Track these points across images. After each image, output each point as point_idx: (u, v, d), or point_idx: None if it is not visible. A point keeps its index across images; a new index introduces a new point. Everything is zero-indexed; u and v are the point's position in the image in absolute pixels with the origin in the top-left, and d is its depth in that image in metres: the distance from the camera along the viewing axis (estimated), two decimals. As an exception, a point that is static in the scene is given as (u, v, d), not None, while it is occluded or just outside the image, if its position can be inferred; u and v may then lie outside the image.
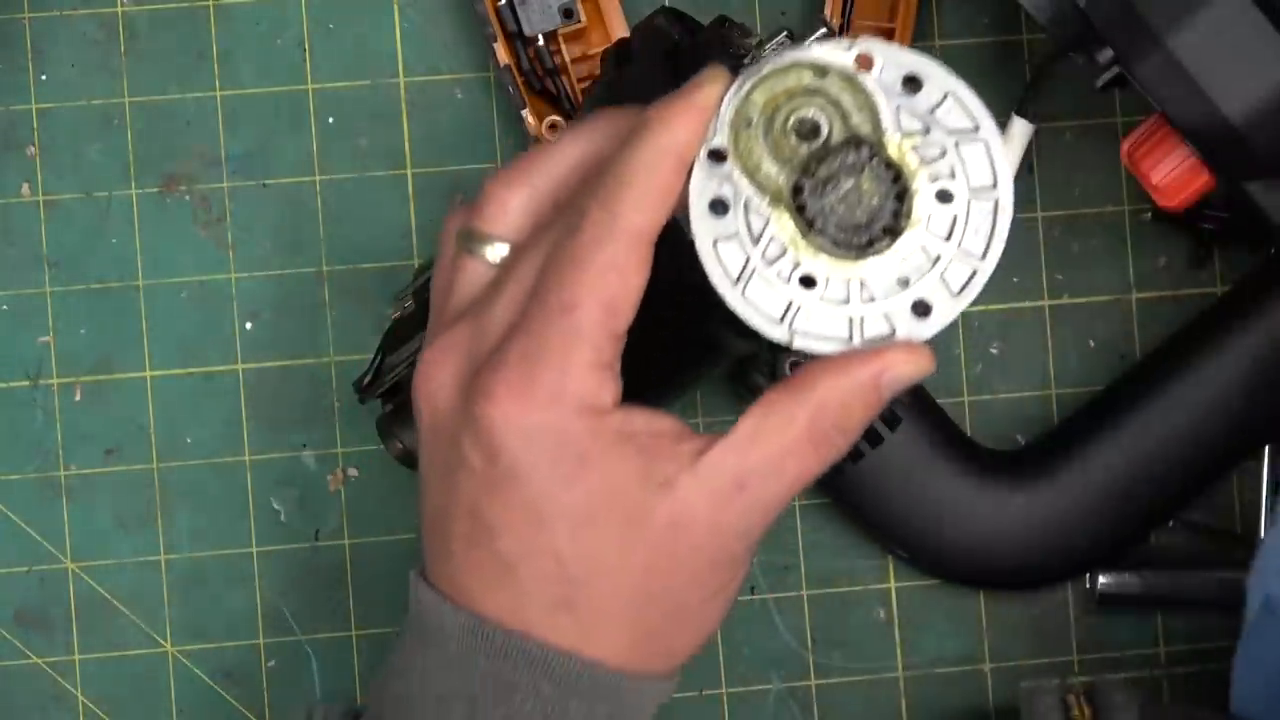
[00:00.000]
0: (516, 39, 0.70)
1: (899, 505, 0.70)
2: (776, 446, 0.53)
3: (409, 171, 0.73)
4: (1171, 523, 0.72)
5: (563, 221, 0.54)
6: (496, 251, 0.56)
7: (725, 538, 0.54)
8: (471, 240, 0.57)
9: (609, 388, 0.53)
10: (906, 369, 0.55)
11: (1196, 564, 0.72)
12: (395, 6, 0.74)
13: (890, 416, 0.68)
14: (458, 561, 0.55)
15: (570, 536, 0.53)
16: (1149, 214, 0.73)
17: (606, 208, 0.53)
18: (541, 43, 0.70)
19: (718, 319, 0.58)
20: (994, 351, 0.74)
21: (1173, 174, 0.61)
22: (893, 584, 0.74)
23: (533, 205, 0.56)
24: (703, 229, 0.53)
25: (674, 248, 0.55)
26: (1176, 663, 0.73)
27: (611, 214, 0.53)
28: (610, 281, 0.52)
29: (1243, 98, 0.56)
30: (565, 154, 0.56)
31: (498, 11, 0.70)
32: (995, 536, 0.70)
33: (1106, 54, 0.59)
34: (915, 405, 0.69)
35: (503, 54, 0.70)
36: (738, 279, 0.53)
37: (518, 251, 0.56)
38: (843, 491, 0.71)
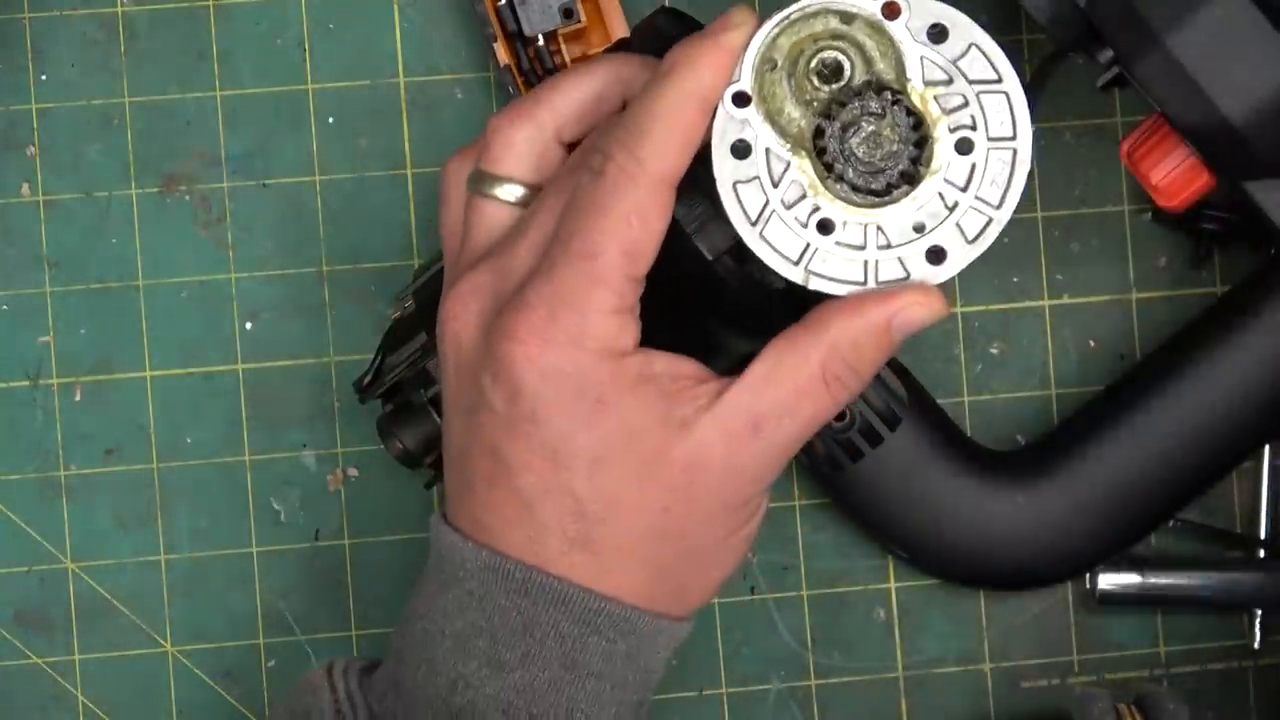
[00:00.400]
0: (516, 39, 0.70)
1: (899, 505, 0.70)
2: (790, 387, 0.54)
3: (409, 171, 0.73)
4: (1172, 523, 0.72)
5: (584, 164, 0.55)
6: (509, 191, 0.57)
7: (740, 480, 0.55)
8: (482, 182, 0.57)
9: (629, 331, 0.54)
10: (919, 311, 0.55)
11: (1196, 564, 0.72)
12: (395, 6, 0.74)
13: (890, 416, 0.68)
14: (479, 499, 0.55)
15: (588, 476, 0.54)
16: (1149, 214, 0.73)
17: (630, 152, 0.53)
18: (541, 43, 0.70)
19: (718, 319, 0.58)
20: (994, 351, 0.74)
21: (1173, 174, 0.61)
22: (893, 584, 0.74)
23: (539, 143, 0.57)
24: (724, 171, 0.54)
25: (673, 244, 0.55)
26: (1176, 663, 0.73)
27: (636, 159, 0.53)
28: (632, 226, 0.53)
29: (1243, 98, 0.56)
30: (571, 92, 0.57)
31: (498, 11, 0.70)
32: (995, 536, 0.70)
33: (1106, 54, 0.59)
34: (915, 405, 0.69)
35: (503, 54, 0.70)
36: (755, 220, 0.54)
37: (539, 194, 0.56)
38: (843, 491, 0.71)
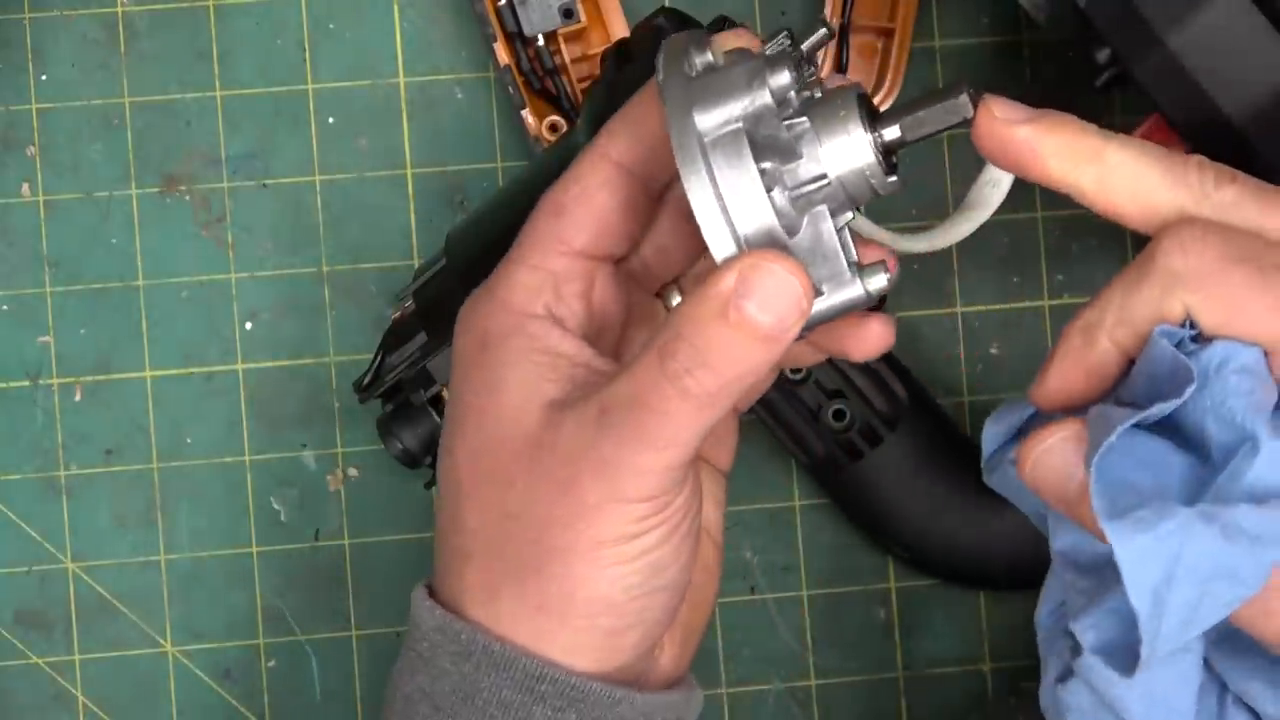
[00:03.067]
0: (516, 39, 0.70)
1: (899, 505, 0.70)
2: (635, 374, 0.50)
3: (409, 171, 0.74)
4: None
5: None
6: None
7: (581, 466, 0.50)
8: None
9: (542, 295, 0.53)
10: (769, 283, 0.48)
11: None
12: (395, 6, 0.74)
13: (890, 416, 0.68)
14: (435, 549, 0.55)
15: (463, 436, 0.53)
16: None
17: (593, 139, 0.54)
18: (541, 43, 0.70)
19: None
20: (994, 351, 0.74)
21: (1173, 174, 0.61)
22: (893, 584, 0.74)
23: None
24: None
25: None
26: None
27: (592, 141, 0.54)
28: (567, 192, 0.53)
29: (1243, 98, 0.56)
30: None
31: (498, 11, 0.70)
32: (995, 536, 0.70)
33: (1106, 54, 0.59)
34: (915, 405, 0.69)
35: (503, 54, 0.70)
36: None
37: None
38: (843, 491, 0.71)
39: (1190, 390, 0.48)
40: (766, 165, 0.49)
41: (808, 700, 0.73)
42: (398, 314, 0.68)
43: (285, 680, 0.73)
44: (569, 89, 0.71)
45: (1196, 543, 0.46)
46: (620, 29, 0.71)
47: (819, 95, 0.51)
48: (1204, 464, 0.49)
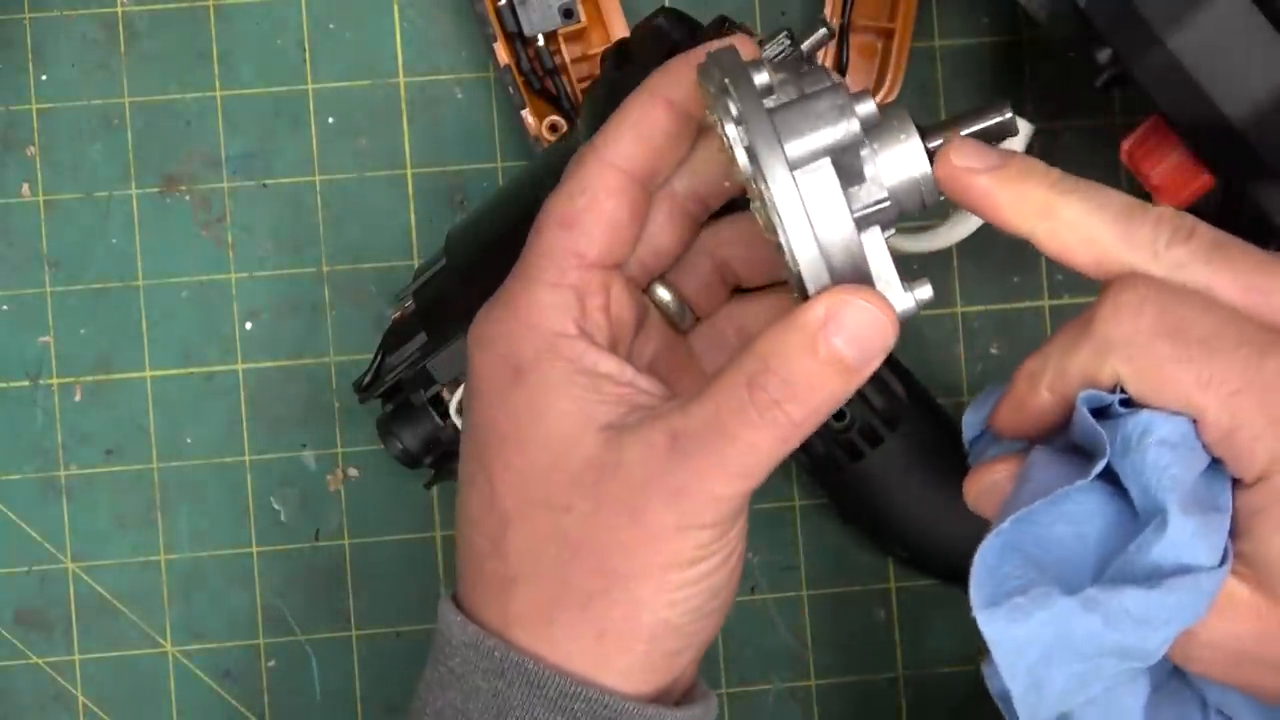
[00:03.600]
0: (516, 39, 0.70)
1: (899, 505, 0.70)
2: (716, 402, 0.50)
3: (409, 171, 0.74)
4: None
5: None
6: None
7: (651, 492, 0.50)
8: None
9: (568, 312, 0.52)
10: (857, 315, 0.49)
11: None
12: (395, 6, 0.74)
13: (890, 416, 0.68)
14: (460, 559, 0.54)
15: (502, 461, 0.52)
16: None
17: (590, 142, 0.54)
18: (541, 43, 0.70)
19: None
20: (994, 351, 0.74)
21: (1172, 174, 0.61)
22: (893, 584, 0.74)
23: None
24: None
25: None
26: (1176, 663, 0.74)
27: (592, 144, 0.54)
28: (574, 203, 0.53)
29: (1243, 98, 0.56)
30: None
31: (498, 11, 0.70)
32: (995, 536, 0.70)
33: (1106, 54, 0.59)
34: (915, 405, 0.69)
35: (503, 54, 0.70)
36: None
37: None
38: (843, 491, 0.71)
39: (1103, 463, 0.49)
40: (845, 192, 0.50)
41: (808, 700, 0.73)
42: (398, 314, 0.68)
43: (285, 680, 0.73)
44: (569, 89, 0.71)
45: (1077, 629, 0.47)
46: (620, 29, 0.71)
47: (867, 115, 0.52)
48: (1134, 520, 0.49)
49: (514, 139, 0.73)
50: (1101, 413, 0.50)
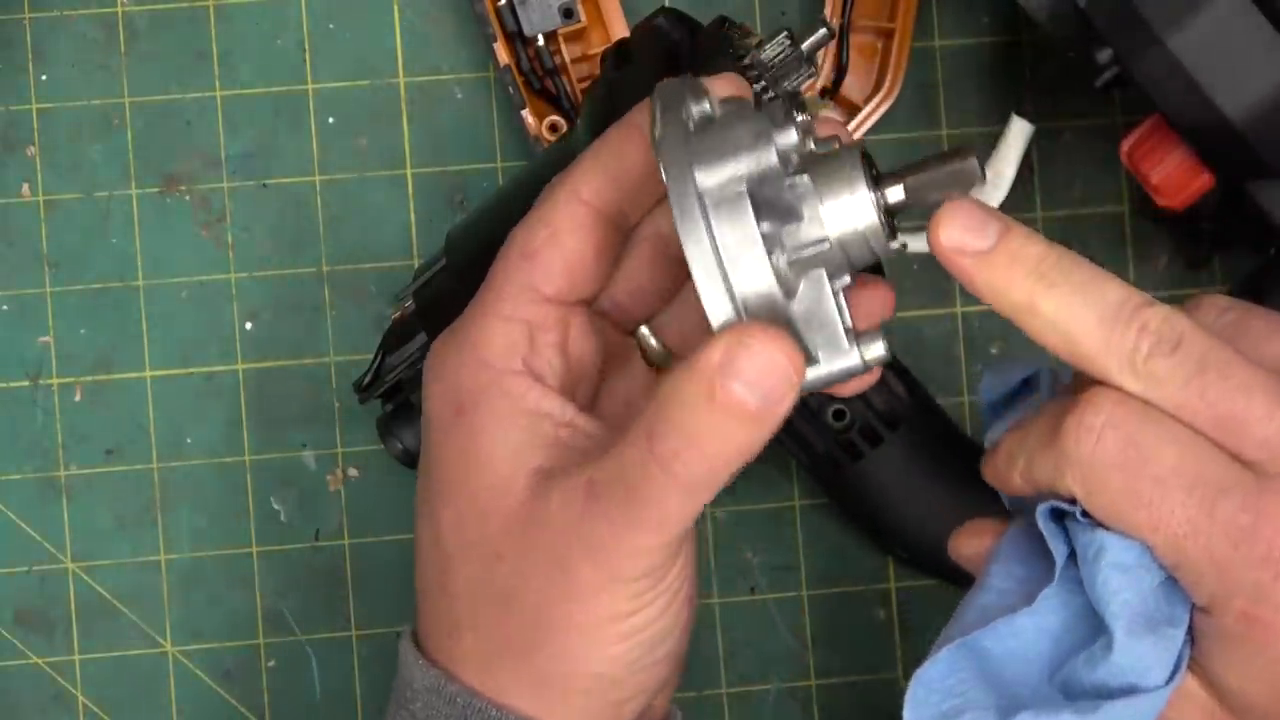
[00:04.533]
0: (516, 39, 0.70)
1: (899, 505, 0.70)
2: (623, 454, 0.48)
3: (409, 171, 0.74)
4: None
5: None
6: None
7: (573, 544, 0.49)
8: None
9: (517, 347, 0.51)
10: (757, 361, 0.46)
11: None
12: (395, 6, 0.74)
13: (890, 416, 0.68)
14: (418, 602, 0.54)
15: (444, 499, 0.51)
16: (1149, 214, 0.73)
17: (562, 172, 0.53)
18: (541, 43, 0.70)
19: None
20: (994, 351, 0.74)
21: (1172, 174, 0.61)
22: (893, 584, 0.74)
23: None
24: None
25: None
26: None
27: (562, 176, 0.52)
28: (536, 235, 0.51)
29: (1243, 98, 0.56)
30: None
31: (498, 11, 0.70)
32: (995, 536, 0.70)
33: (1106, 54, 0.59)
34: (915, 405, 0.69)
35: (503, 54, 0.70)
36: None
37: None
38: (843, 491, 0.71)
39: (1057, 572, 0.49)
40: (766, 227, 0.47)
41: (808, 700, 0.73)
42: (398, 314, 0.68)
43: (285, 680, 0.73)
44: (569, 89, 0.71)
45: None
46: (620, 29, 0.71)
47: (819, 150, 0.49)
48: (1094, 616, 0.50)
49: (514, 139, 0.73)
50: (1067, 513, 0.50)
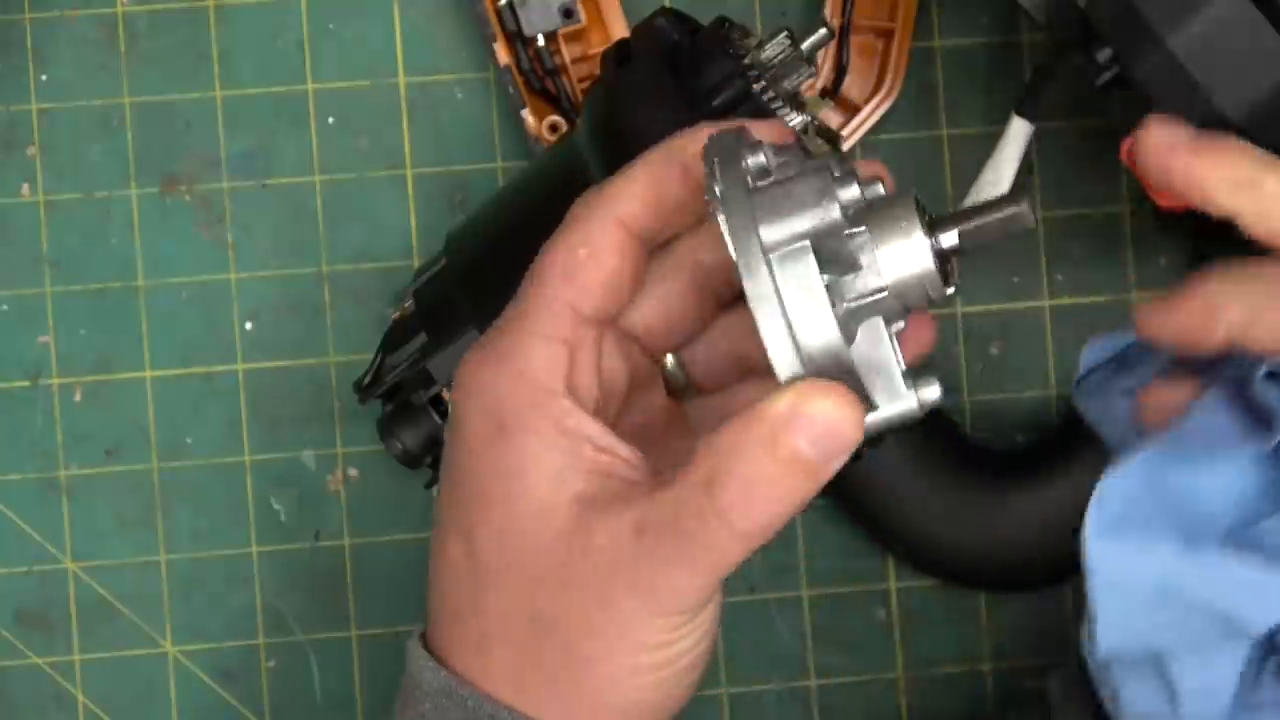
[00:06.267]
0: (516, 39, 0.70)
1: (899, 505, 0.70)
2: (675, 499, 0.48)
3: (409, 171, 0.74)
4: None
5: None
6: None
7: (617, 582, 0.49)
8: None
9: (559, 367, 0.51)
10: (822, 416, 0.47)
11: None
12: (395, 6, 0.74)
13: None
14: (431, 595, 0.53)
15: (482, 518, 0.50)
16: (1149, 214, 0.73)
17: (600, 189, 0.52)
18: (541, 43, 0.70)
19: None
20: (994, 351, 0.74)
21: (1173, 174, 0.61)
22: (893, 584, 0.74)
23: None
24: None
25: None
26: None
27: (600, 192, 0.52)
28: (576, 255, 0.51)
29: (1243, 98, 0.56)
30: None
31: (498, 11, 0.70)
32: (995, 536, 0.70)
33: (1106, 54, 0.59)
34: (915, 405, 0.69)
35: (503, 54, 0.70)
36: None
37: None
38: (843, 491, 0.71)
39: (1274, 442, 0.48)
40: (826, 278, 0.47)
41: (808, 700, 0.73)
42: (398, 314, 0.68)
43: (285, 680, 0.73)
44: (569, 89, 0.71)
45: (1186, 583, 0.47)
46: (620, 29, 0.71)
47: (866, 194, 0.49)
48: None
49: (514, 139, 0.73)
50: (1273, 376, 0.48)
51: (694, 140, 0.51)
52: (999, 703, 0.73)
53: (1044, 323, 0.74)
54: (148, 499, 0.73)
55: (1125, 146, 0.62)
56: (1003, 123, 0.69)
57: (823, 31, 0.64)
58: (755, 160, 0.49)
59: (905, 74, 0.72)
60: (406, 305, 0.67)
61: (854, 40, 0.72)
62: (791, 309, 0.47)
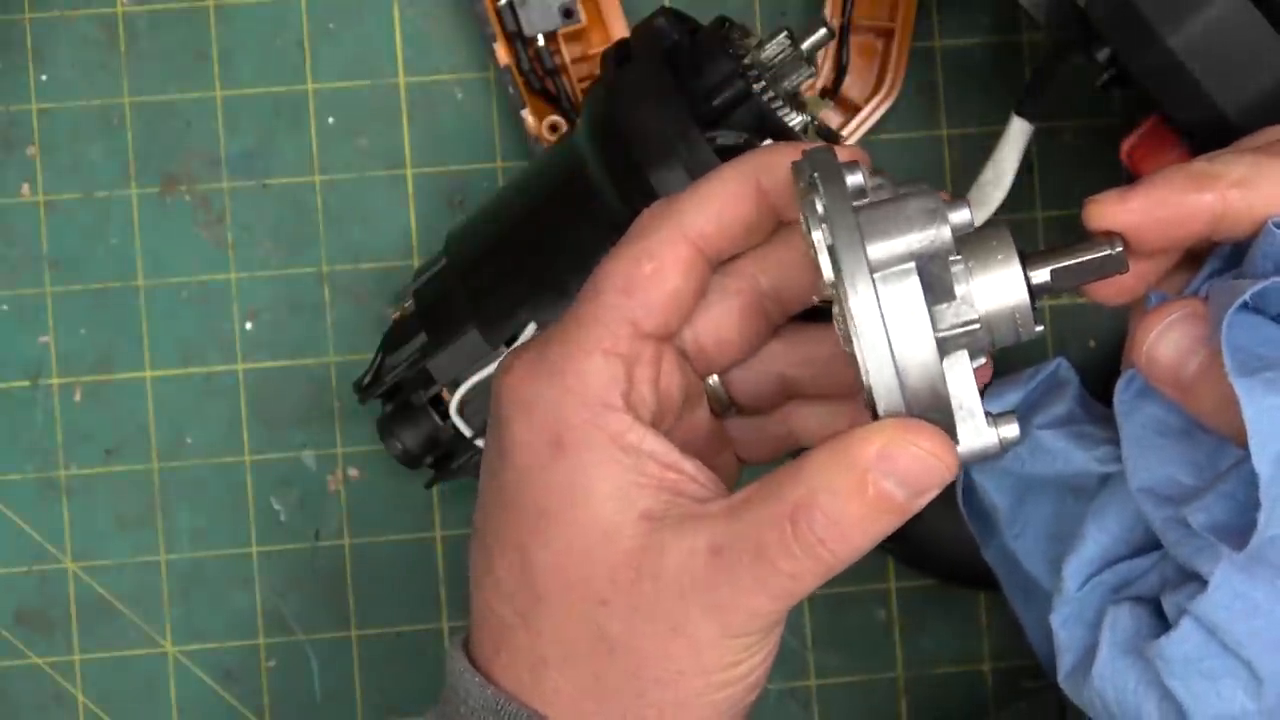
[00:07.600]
0: (516, 39, 0.70)
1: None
2: (755, 524, 0.48)
3: (409, 171, 0.74)
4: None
5: None
6: None
7: (691, 604, 0.49)
8: None
9: (617, 383, 0.49)
10: (913, 461, 0.47)
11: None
12: (395, 6, 0.74)
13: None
14: (475, 606, 0.52)
15: (534, 533, 0.49)
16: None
17: (669, 200, 0.51)
18: (541, 43, 0.70)
19: None
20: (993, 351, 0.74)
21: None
22: (893, 584, 0.74)
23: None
24: None
25: None
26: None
27: (669, 204, 0.51)
28: (640, 267, 0.50)
29: (1243, 97, 0.56)
30: None
31: (498, 11, 0.70)
32: (995, 536, 0.70)
33: (1106, 54, 0.59)
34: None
35: (503, 54, 0.70)
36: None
37: None
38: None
39: None
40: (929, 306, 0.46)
41: (808, 700, 0.73)
42: (398, 314, 0.68)
43: (285, 680, 0.73)
44: (569, 89, 0.71)
45: None
46: (620, 29, 0.71)
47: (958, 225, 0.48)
48: None
49: (514, 139, 0.73)
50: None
51: (774, 158, 0.50)
52: (999, 703, 0.73)
53: (1044, 323, 0.74)
54: (148, 499, 0.73)
55: (1125, 146, 0.62)
56: (1003, 123, 0.69)
57: (823, 31, 0.64)
58: (854, 179, 0.47)
59: (905, 74, 0.72)
60: (406, 305, 0.67)
61: (854, 40, 0.72)
62: (894, 333, 0.46)
